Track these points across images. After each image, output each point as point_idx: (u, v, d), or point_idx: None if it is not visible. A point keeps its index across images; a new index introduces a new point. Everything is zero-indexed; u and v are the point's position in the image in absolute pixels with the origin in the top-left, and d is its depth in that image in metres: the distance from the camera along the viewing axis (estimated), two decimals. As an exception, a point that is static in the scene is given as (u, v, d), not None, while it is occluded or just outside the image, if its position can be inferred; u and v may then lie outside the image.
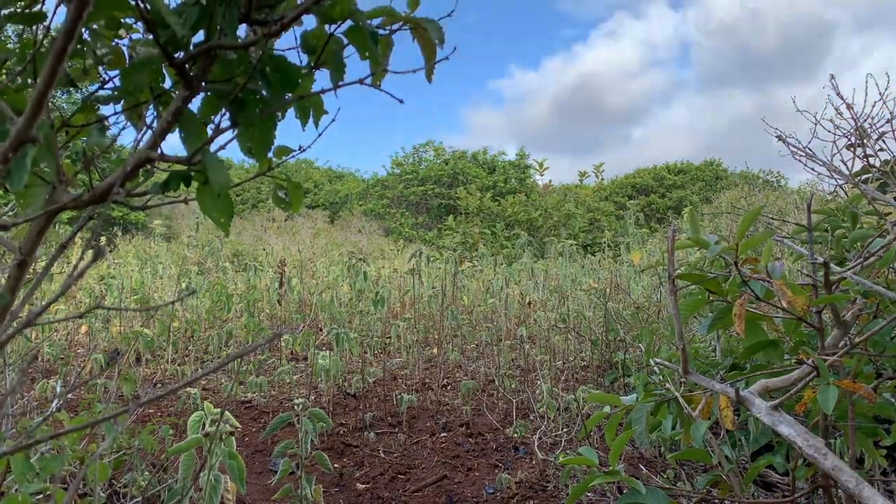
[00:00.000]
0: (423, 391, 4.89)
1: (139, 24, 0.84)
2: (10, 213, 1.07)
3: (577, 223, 19.85)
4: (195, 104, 0.80)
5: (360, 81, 0.86)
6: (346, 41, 0.84)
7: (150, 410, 4.11)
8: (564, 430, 3.82)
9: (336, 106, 0.93)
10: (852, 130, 2.16)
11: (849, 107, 2.18)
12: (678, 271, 1.52)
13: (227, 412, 1.92)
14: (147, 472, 2.62)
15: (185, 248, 9.22)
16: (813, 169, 2.16)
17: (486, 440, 3.82)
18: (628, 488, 1.42)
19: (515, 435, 3.78)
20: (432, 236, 22.43)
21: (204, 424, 1.96)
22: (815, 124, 2.21)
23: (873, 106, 2.13)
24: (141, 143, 0.82)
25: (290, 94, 0.83)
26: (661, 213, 24.39)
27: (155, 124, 0.83)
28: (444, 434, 3.95)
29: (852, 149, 2.17)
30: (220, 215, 0.82)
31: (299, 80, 0.82)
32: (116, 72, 0.88)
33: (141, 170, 0.79)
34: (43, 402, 3.74)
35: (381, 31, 0.85)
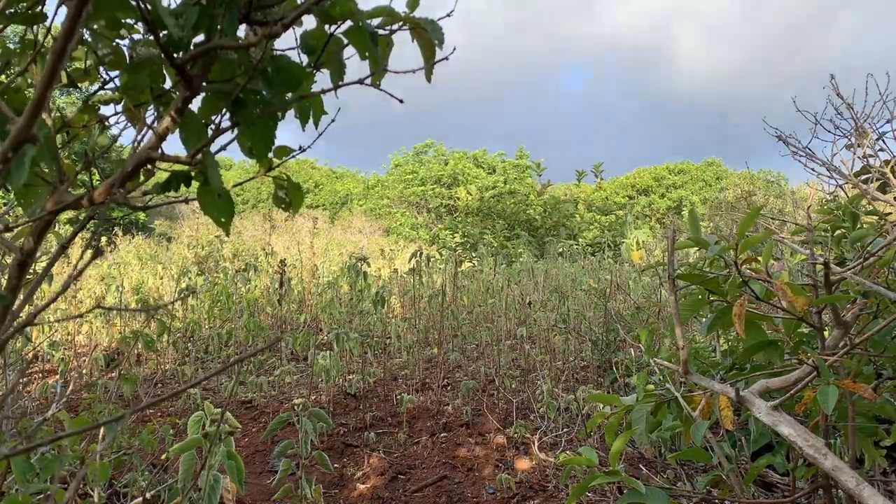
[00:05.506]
0: (423, 391, 4.89)
1: (140, 24, 0.84)
2: (10, 213, 1.08)
3: (577, 223, 19.91)
4: (195, 104, 0.80)
5: (360, 82, 0.86)
6: (345, 41, 0.84)
7: (150, 410, 4.11)
8: (564, 430, 3.82)
9: (336, 106, 0.93)
10: (852, 130, 2.16)
11: (849, 107, 2.18)
12: (678, 271, 1.52)
13: (227, 412, 1.92)
14: (147, 472, 2.63)
15: (186, 248, 9.22)
16: (813, 169, 2.17)
17: (486, 440, 3.82)
18: (628, 488, 1.42)
19: (515, 435, 3.78)
20: (433, 236, 22.44)
21: (204, 424, 1.96)
22: (815, 124, 2.21)
23: (873, 106, 2.14)
24: (141, 144, 0.82)
25: (290, 94, 0.83)
26: (661, 213, 24.42)
27: (155, 124, 0.83)
28: (444, 434, 3.95)
29: (852, 149, 2.17)
30: (221, 215, 0.82)
31: (300, 80, 0.81)
32: (117, 72, 0.88)
33: (141, 170, 0.79)
34: (43, 403, 3.74)
35: (380, 32, 0.85)
